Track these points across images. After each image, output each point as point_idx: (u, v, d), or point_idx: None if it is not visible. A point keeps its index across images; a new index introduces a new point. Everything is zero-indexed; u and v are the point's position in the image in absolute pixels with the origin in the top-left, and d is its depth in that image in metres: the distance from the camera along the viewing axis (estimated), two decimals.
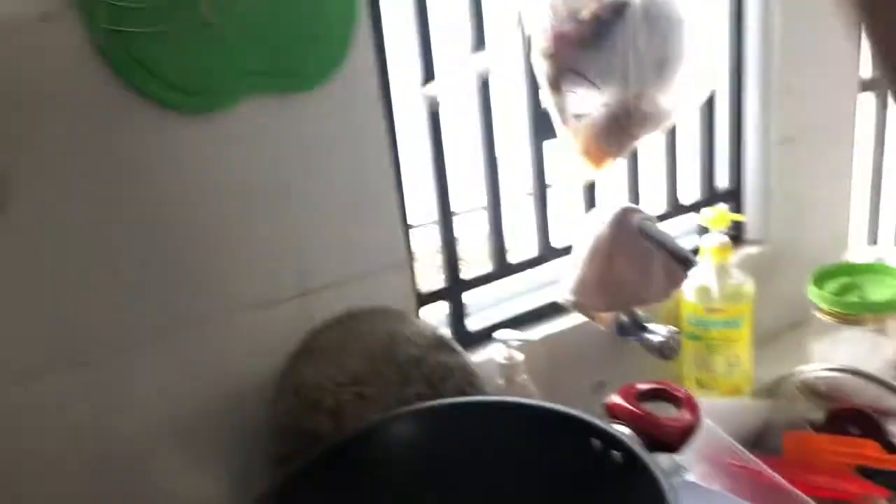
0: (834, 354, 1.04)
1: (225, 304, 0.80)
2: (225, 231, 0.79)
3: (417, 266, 0.96)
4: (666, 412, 0.73)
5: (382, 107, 0.85)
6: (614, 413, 0.71)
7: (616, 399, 0.71)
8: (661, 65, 0.95)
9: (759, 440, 0.95)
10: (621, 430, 0.68)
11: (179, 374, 0.79)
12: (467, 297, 1.05)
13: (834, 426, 0.95)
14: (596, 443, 0.68)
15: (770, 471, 0.82)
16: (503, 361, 0.95)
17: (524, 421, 0.74)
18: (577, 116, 0.93)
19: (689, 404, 0.72)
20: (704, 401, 0.85)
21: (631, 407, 0.70)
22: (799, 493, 0.80)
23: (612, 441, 0.66)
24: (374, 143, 0.86)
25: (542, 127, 1.01)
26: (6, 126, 0.67)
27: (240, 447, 0.84)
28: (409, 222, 0.93)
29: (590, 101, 0.92)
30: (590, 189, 1.08)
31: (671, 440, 0.68)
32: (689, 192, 1.21)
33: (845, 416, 0.95)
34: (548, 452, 0.71)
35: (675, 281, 0.96)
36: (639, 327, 1.06)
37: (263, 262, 0.82)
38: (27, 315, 0.71)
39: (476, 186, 1.03)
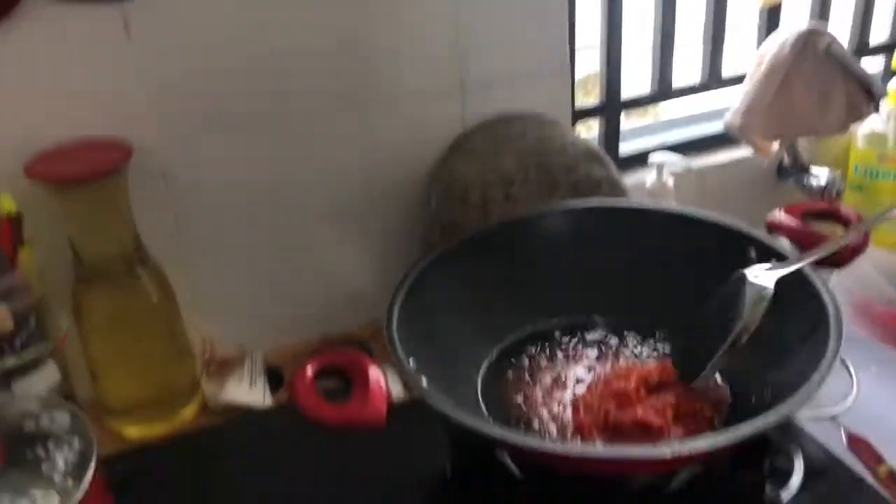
0: None
1: (391, 88, 0.81)
2: (396, 15, 0.78)
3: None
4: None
5: None
6: (776, 227, 0.68)
7: (779, 215, 0.69)
8: None
9: None
10: (781, 242, 0.65)
11: (348, 155, 0.82)
12: (623, 119, 1.02)
13: None
14: (752, 253, 0.66)
15: None
16: (652, 185, 0.93)
17: (678, 228, 0.73)
18: None
19: (858, 226, 0.68)
20: None
21: (795, 222, 0.67)
22: None
23: (770, 251, 0.64)
24: None
25: None
26: None
27: (396, 231, 0.87)
28: (574, 30, 0.90)
29: None
30: (772, 15, 1.00)
31: (837, 256, 0.65)
32: (879, 32, 1.11)
33: None
34: (700, 261, 0.70)
35: (856, 113, 0.89)
36: (800, 168, 1.01)
37: (427, 50, 0.81)
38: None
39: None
